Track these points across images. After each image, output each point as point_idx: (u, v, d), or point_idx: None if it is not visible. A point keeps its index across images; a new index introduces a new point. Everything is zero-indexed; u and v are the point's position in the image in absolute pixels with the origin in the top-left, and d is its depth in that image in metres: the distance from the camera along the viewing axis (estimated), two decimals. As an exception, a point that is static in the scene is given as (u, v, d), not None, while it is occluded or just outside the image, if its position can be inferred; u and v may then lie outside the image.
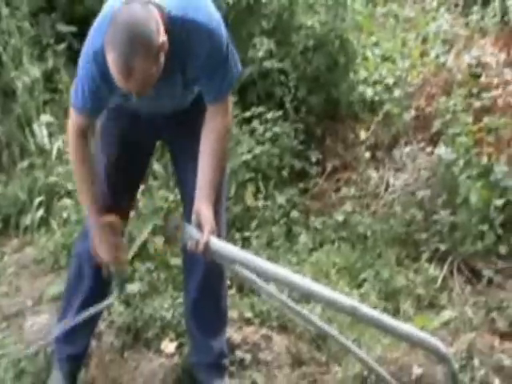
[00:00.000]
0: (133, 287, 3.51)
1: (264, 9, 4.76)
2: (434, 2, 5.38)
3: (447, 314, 3.49)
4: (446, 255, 3.77)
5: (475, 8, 5.40)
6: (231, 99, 2.83)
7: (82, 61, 2.62)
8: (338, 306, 2.50)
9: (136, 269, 3.62)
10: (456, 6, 5.46)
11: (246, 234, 3.95)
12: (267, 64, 4.47)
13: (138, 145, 2.95)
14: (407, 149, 4.30)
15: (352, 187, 4.25)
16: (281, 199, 4.07)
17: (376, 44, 4.89)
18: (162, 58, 2.45)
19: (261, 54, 4.48)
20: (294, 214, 4.04)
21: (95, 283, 2.99)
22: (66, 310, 3.09)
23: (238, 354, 3.27)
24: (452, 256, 3.77)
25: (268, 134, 4.22)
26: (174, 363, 3.23)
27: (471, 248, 3.75)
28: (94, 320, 3.06)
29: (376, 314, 2.51)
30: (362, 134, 4.49)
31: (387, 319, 2.51)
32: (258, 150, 4.13)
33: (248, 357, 3.28)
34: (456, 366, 2.54)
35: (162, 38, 2.42)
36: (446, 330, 3.40)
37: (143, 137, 2.94)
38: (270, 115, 4.25)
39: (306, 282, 2.52)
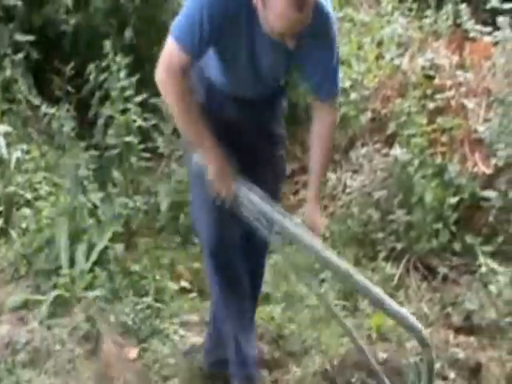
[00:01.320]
0: (93, 294, 3.52)
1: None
2: (388, 7, 5.44)
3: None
4: (402, 254, 3.85)
5: (429, 12, 5.48)
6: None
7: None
8: (334, 267, 2.71)
9: (96, 276, 3.61)
10: (410, 10, 5.53)
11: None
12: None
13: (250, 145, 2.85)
14: (363, 150, 4.35)
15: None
16: (239, 203, 4.09)
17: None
18: None
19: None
20: (256, 218, 4.08)
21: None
22: (223, 321, 2.99)
23: (199, 357, 3.26)
24: (408, 254, 3.84)
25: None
26: (136, 368, 3.22)
27: (426, 246, 3.82)
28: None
29: (369, 284, 2.65)
30: (320, 137, 4.52)
31: (380, 293, 2.63)
32: (215, 154, 4.14)
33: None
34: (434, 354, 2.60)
35: None
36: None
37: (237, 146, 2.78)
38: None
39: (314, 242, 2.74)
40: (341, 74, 4.76)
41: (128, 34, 4.81)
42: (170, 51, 2.55)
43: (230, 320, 2.95)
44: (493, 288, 3.63)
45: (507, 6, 5.10)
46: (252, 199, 2.69)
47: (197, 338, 3.37)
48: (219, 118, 2.74)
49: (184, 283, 3.76)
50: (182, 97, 2.58)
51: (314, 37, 2.56)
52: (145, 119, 4.23)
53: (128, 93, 4.24)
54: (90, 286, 3.57)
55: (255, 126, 2.85)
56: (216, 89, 2.78)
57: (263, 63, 2.66)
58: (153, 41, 4.79)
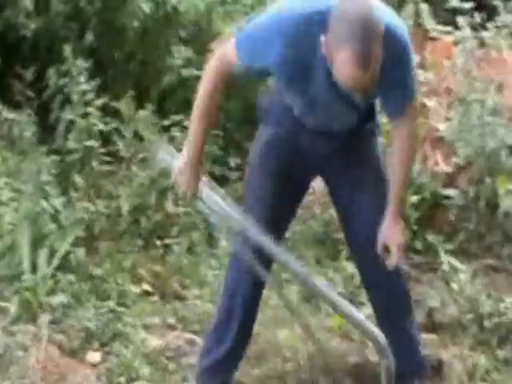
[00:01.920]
0: (56, 300, 3.51)
1: (181, 18, 4.81)
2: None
3: (366, 310, 3.55)
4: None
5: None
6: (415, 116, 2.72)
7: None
8: (292, 269, 2.67)
9: (58, 281, 3.59)
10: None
11: (168, 241, 3.98)
12: (185, 72, 4.52)
13: (294, 183, 2.83)
14: (326, 151, 4.35)
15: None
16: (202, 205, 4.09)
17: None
18: None
19: (179, 62, 4.53)
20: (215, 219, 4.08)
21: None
22: (219, 339, 2.93)
23: (162, 359, 3.29)
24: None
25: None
26: (99, 372, 3.22)
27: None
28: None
29: (327, 288, 2.67)
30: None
31: (337, 297, 2.65)
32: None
33: (172, 361, 3.30)
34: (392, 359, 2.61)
35: None
36: (365, 327, 3.49)
37: (301, 171, 2.82)
38: (187, 122, 4.24)
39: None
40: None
41: (88, 37, 4.79)
42: (226, 52, 2.62)
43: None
44: (454, 285, 3.68)
45: (467, 5, 5.19)
46: (215, 200, 2.76)
47: (159, 341, 3.38)
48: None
49: (146, 286, 3.76)
50: (208, 92, 2.68)
51: (389, 63, 2.44)
52: (105, 123, 4.22)
53: (88, 97, 4.23)
54: (52, 292, 3.55)
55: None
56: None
57: (334, 108, 2.63)
58: (113, 44, 4.79)
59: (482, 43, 5.02)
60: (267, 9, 2.56)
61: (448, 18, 5.40)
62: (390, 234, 2.70)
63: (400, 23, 2.53)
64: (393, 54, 2.43)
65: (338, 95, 2.52)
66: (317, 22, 2.40)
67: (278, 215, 2.82)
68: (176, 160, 2.81)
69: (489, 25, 5.07)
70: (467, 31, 4.87)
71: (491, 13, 5.20)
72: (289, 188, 2.82)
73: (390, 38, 2.41)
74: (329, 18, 2.35)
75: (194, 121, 2.76)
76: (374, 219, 2.73)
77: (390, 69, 2.43)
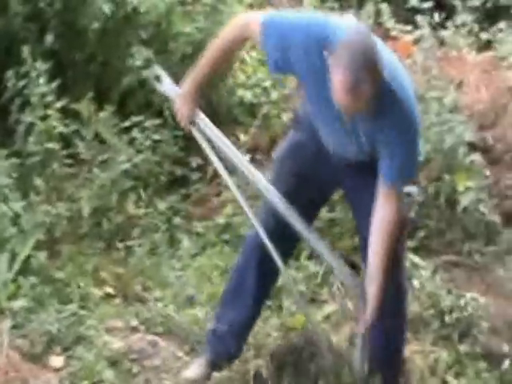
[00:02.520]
0: (17, 304, 3.47)
1: (142, 18, 4.79)
2: (309, 6, 5.48)
3: (328, 308, 3.60)
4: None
5: (350, 11, 5.55)
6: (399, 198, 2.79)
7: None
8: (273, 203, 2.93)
9: (20, 285, 3.55)
10: (332, 9, 5.59)
11: (129, 243, 3.97)
12: (145, 73, 4.50)
13: (315, 185, 2.97)
14: (286, 150, 4.37)
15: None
16: (162, 206, 4.10)
17: (254, 47, 4.96)
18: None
19: (139, 63, 4.50)
20: (177, 220, 4.08)
21: (260, 290, 3.07)
22: (222, 316, 3.13)
23: (125, 362, 3.29)
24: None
25: (147, 142, 4.22)
26: (62, 377, 3.20)
27: (349, 243, 3.87)
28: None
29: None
30: (242, 137, 4.54)
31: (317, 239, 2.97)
32: (137, 158, 4.13)
33: (135, 364, 3.30)
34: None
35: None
36: (327, 324, 3.51)
37: (323, 177, 2.96)
38: (148, 123, 4.26)
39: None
40: (262, 74, 4.84)
41: (48, 38, 4.74)
42: (254, 17, 2.86)
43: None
44: (416, 282, 3.71)
45: (426, 5, 5.24)
46: (207, 131, 3.18)
47: (122, 344, 3.37)
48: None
49: (108, 289, 3.74)
50: (225, 40, 2.96)
51: (382, 115, 2.63)
52: (66, 125, 4.19)
53: (48, 99, 4.19)
54: (13, 296, 3.51)
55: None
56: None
57: (334, 127, 2.79)
58: (74, 45, 4.75)
59: (441, 42, 5.08)
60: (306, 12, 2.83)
61: (408, 17, 5.43)
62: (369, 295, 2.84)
63: (411, 101, 2.67)
64: (386, 109, 2.62)
65: (337, 116, 2.67)
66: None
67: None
68: (177, 90, 3.22)
69: (448, 24, 5.13)
70: (427, 30, 4.92)
71: (450, 12, 5.25)
72: (305, 190, 2.98)
73: (386, 96, 2.60)
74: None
75: (202, 61, 3.08)
76: None
77: (383, 122, 2.64)
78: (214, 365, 3.13)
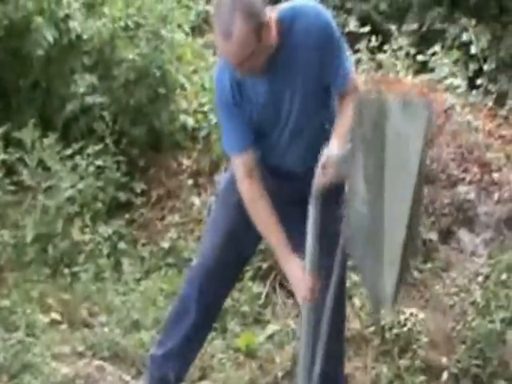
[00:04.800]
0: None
1: (85, 45, 4.83)
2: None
3: (271, 328, 3.66)
4: (268, 272, 3.93)
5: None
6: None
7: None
8: None
9: (-35, 313, 3.56)
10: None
11: (75, 268, 3.99)
12: (89, 99, 4.54)
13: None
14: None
15: (176, 214, 4.36)
16: (107, 231, 4.13)
17: (195, 73, 5.03)
18: (267, 42, 2.51)
19: (82, 89, 4.53)
20: (121, 245, 4.12)
21: (201, 319, 2.98)
22: (164, 341, 3.04)
23: (73, 388, 3.29)
24: (274, 272, 3.93)
25: (91, 169, 4.26)
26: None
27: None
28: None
29: None
30: (185, 162, 4.61)
31: None
32: (81, 184, 4.17)
33: (82, 389, 3.30)
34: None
35: (267, 18, 2.49)
36: (270, 344, 3.58)
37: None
38: (90, 150, 4.30)
39: None
40: (204, 99, 4.85)
41: (-9, 66, 4.76)
42: (236, 167, 2.75)
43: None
44: (356, 300, 3.79)
45: (363, 29, 5.38)
46: None
47: (69, 370, 3.37)
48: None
49: (54, 315, 3.75)
50: (262, 206, 2.70)
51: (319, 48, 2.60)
52: (8, 153, 4.21)
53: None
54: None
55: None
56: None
57: (280, 109, 2.71)
58: (18, 72, 4.77)
59: (379, 65, 5.20)
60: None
61: (348, 41, 5.56)
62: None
63: (320, 6, 2.66)
64: (320, 40, 2.58)
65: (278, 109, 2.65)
66: None
67: (231, 243, 2.88)
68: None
69: (386, 47, 5.26)
70: (364, 54, 5.04)
71: (387, 36, 5.39)
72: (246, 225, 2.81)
73: (305, 18, 2.59)
74: None
75: (271, 237, 2.74)
76: None
77: (322, 52, 2.59)
78: None
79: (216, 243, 2.91)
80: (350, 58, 2.76)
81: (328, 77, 2.67)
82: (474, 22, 5.78)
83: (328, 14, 2.67)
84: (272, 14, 2.56)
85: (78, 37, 4.77)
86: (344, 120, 2.66)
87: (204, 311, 2.97)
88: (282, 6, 2.64)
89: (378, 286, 2.26)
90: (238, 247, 2.91)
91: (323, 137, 2.66)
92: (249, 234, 2.80)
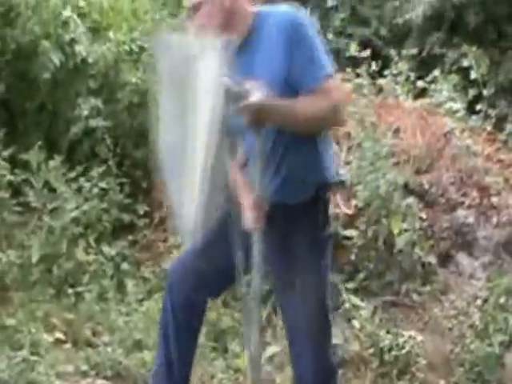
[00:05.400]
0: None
1: (91, 68, 4.91)
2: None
3: (272, 350, 3.69)
4: (268, 294, 3.96)
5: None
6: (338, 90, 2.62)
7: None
8: None
9: (-30, 332, 3.61)
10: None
11: (79, 289, 4.05)
12: (92, 122, 4.61)
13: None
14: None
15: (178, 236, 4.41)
16: (111, 252, 4.19)
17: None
18: (241, 9, 2.58)
19: (86, 112, 4.61)
20: (124, 265, 4.18)
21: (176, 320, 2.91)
22: (156, 356, 3.02)
23: (76, 407, 3.36)
24: (274, 294, 3.97)
25: (95, 190, 4.33)
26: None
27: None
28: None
29: None
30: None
31: None
32: (86, 206, 4.24)
33: (85, 408, 3.37)
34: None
35: None
36: (271, 365, 3.62)
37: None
38: (94, 172, 4.37)
39: None
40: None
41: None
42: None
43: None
44: (356, 322, 3.84)
45: (364, 54, 5.44)
46: None
47: (72, 388, 3.44)
48: None
49: (59, 334, 3.80)
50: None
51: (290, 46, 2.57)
52: (15, 174, 4.27)
53: (-5, 148, 4.27)
54: (-37, 344, 3.55)
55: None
56: None
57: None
58: (25, 95, 4.85)
59: (379, 90, 5.27)
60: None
61: (348, 65, 5.62)
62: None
63: (300, 14, 2.64)
64: (291, 37, 2.56)
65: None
66: None
67: (202, 249, 2.78)
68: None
69: (386, 72, 5.33)
70: (365, 79, 5.11)
71: (387, 61, 5.46)
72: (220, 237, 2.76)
73: (279, 18, 2.59)
74: None
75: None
76: (300, 324, 2.73)
77: (292, 50, 2.55)
78: None
79: (187, 248, 2.90)
80: (328, 64, 2.60)
81: (295, 75, 2.59)
82: (474, 47, 5.86)
83: (307, 18, 2.66)
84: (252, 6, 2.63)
85: (84, 60, 4.86)
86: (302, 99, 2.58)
87: (177, 311, 2.90)
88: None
89: (181, 207, 2.42)
90: (210, 254, 2.81)
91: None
92: (221, 246, 2.73)
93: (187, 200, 2.41)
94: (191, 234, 2.49)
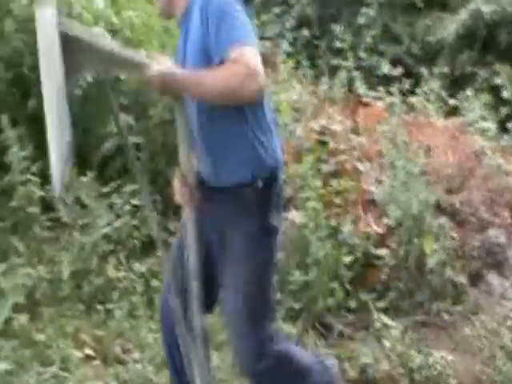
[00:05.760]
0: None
1: (122, 85, 4.94)
2: (284, 73, 5.68)
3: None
4: (299, 313, 3.98)
5: (324, 79, 5.75)
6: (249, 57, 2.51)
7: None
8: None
9: (0, 348, 3.59)
10: (305, 76, 5.80)
11: (109, 306, 4.03)
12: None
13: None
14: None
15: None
16: (141, 269, 4.19)
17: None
18: None
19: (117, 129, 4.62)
20: (155, 283, 4.17)
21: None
22: None
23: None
24: (305, 313, 3.98)
25: (127, 207, 4.34)
26: None
27: (323, 304, 3.98)
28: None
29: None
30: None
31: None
32: (117, 222, 4.25)
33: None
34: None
35: None
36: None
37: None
38: (126, 189, 4.38)
39: None
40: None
41: (31, 103, 4.87)
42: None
43: None
44: (386, 342, 3.82)
45: (395, 72, 5.46)
46: None
47: (101, 405, 3.44)
48: None
49: (88, 351, 3.78)
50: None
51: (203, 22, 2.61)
52: (46, 189, 4.30)
53: (26, 164, 4.29)
54: (-7, 359, 3.56)
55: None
56: None
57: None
58: (56, 111, 4.88)
59: (411, 108, 5.28)
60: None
61: (380, 83, 5.65)
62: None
63: None
64: (205, 15, 2.60)
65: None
66: None
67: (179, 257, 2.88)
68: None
69: (418, 90, 5.34)
70: (396, 97, 5.12)
71: (418, 79, 5.47)
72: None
73: (205, 4, 2.61)
74: None
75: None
76: (227, 318, 2.78)
77: (205, 26, 2.58)
78: None
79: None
80: (243, 34, 2.57)
81: (212, 50, 2.59)
82: (506, 66, 5.85)
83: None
84: None
85: (116, 76, 4.88)
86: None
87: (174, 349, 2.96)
88: None
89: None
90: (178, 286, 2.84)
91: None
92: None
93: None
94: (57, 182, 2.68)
